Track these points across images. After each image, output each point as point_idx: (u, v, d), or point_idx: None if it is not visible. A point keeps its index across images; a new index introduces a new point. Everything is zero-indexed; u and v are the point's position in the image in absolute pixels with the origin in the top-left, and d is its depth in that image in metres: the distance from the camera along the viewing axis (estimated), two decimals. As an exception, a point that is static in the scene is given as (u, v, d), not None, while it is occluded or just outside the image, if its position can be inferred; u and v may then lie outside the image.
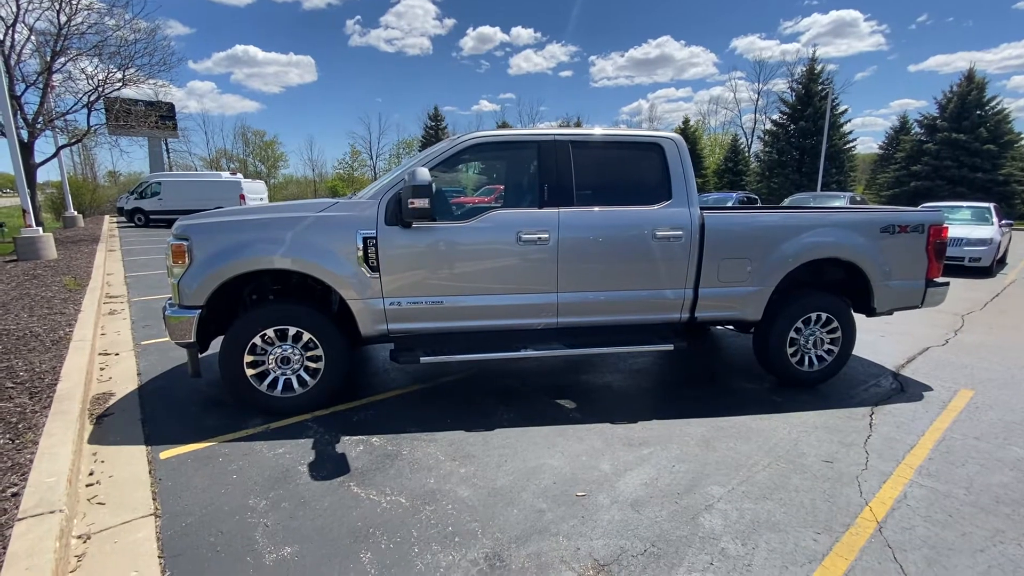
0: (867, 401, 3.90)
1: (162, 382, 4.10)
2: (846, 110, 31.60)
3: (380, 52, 73.97)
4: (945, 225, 4.23)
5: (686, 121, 40.42)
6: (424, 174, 3.07)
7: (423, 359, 3.47)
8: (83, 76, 15.28)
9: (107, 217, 25.71)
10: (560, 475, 2.79)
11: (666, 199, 3.75)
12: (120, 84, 15.77)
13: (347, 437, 3.18)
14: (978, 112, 26.11)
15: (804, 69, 32.41)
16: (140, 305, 6.85)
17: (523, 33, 73.81)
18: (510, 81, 71.05)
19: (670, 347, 3.83)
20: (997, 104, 26.14)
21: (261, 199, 22.54)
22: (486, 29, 73.58)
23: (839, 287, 4.25)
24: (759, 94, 45.86)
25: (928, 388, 4.17)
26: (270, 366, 3.40)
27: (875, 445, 3.19)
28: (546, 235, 3.50)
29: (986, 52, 54.63)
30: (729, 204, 15.41)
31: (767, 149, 33.56)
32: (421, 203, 3.04)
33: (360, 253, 3.33)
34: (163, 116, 25.29)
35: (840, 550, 2.24)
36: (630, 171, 3.83)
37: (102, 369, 4.35)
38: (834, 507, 2.54)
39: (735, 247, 3.82)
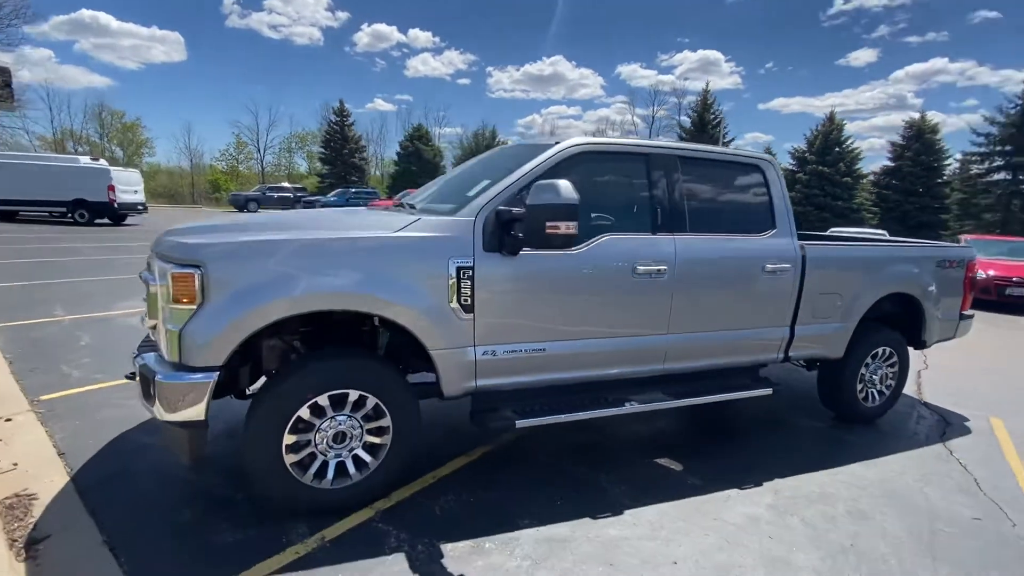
0: (932, 438, 3.86)
1: (110, 465, 2.80)
2: (733, 139, 35.21)
3: (263, 37, 67.22)
4: (977, 260, 4.42)
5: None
6: (571, 189, 2.33)
7: (520, 423, 2.70)
8: None
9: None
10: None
11: (770, 228, 3.38)
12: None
13: (448, 545, 2.29)
14: (837, 149, 30.50)
15: (698, 99, 35.53)
16: (8, 335, 5.00)
17: (421, 35, 72.00)
18: (408, 83, 68.85)
19: (769, 391, 3.45)
20: (851, 143, 30.81)
21: (136, 192, 18.92)
22: (382, 27, 70.35)
23: (895, 321, 4.22)
24: (653, 119, 49.60)
25: (965, 418, 4.29)
26: (320, 447, 2.40)
27: (988, 489, 3.07)
28: (664, 267, 2.93)
29: (814, 98, 65.78)
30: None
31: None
32: (568, 228, 2.28)
33: (453, 288, 2.48)
34: (-5, 81, 20.21)
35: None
36: (735, 195, 3.41)
37: (-8, 447, 2.89)
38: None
39: (831, 281, 3.57)
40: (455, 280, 2.47)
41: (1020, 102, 26.18)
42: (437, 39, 71.47)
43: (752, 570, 2.26)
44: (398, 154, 39.29)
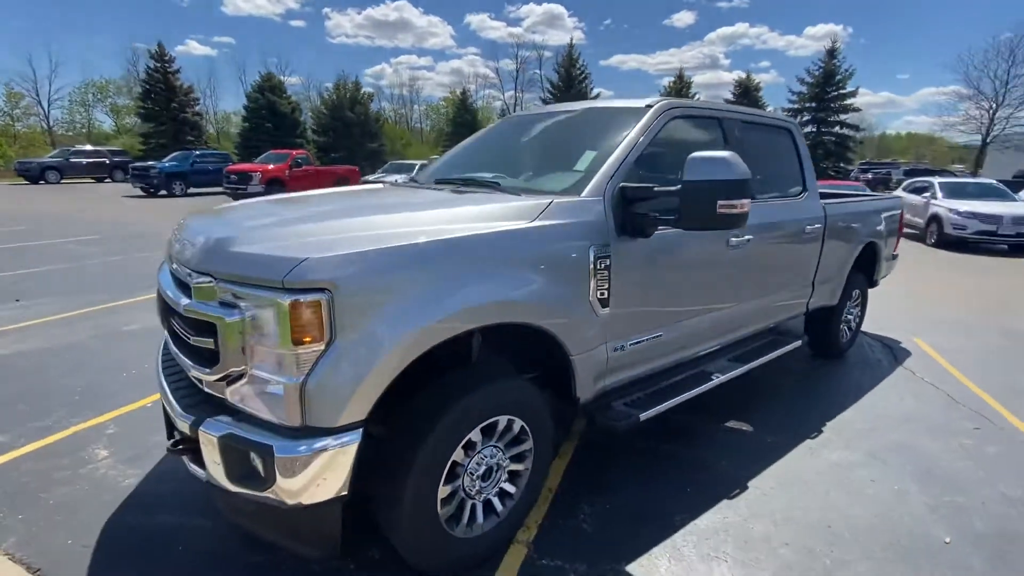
0: (892, 363, 4.54)
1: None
2: (600, 93, 36.83)
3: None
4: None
5: (464, 92, 40.97)
6: (742, 162, 2.07)
7: (643, 415, 2.50)
8: None
9: None
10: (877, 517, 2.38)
11: (804, 189, 3.52)
12: None
13: (633, 565, 2.07)
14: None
15: (563, 55, 36.25)
16: None
17: (239, -34, 61.51)
18: (227, 22, 58.96)
19: (799, 343, 3.71)
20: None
21: None
22: (186, -51, 58.75)
23: (858, 266, 4.79)
24: (518, 72, 49.67)
25: (898, 341, 5.12)
26: (471, 490, 1.95)
27: (961, 400, 3.72)
28: (749, 236, 2.88)
29: (647, 56, 72.20)
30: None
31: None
32: (743, 207, 2.04)
33: (593, 280, 2.13)
34: None
35: None
36: (777, 158, 3.45)
37: None
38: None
39: (839, 235, 3.88)
40: (594, 270, 2.13)
41: (822, 65, 31.35)
42: (260, -29, 61.57)
43: (903, 508, 2.43)
44: (247, 108, 33.68)
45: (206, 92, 49.74)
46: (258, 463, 1.57)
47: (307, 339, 1.50)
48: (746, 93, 35.29)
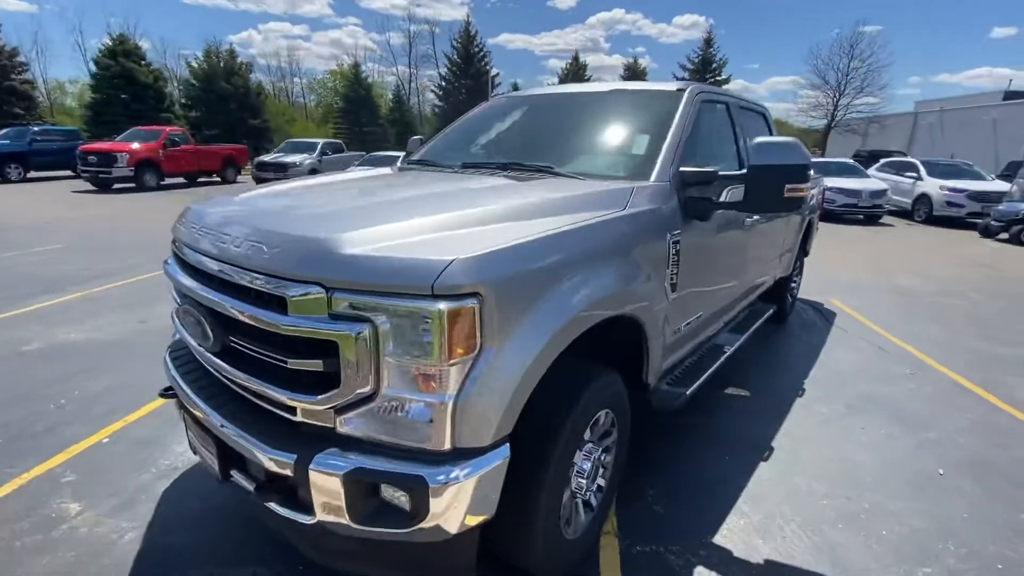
0: (824, 323, 5.19)
1: None
2: (497, 73, 36.71)
3: None
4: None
5: (356, 65, 38.38)
6: (804, 147, 2.14)
7: (688, 392, 2.58)
8: None
9: None
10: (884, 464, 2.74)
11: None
12: None
13: (718, 539, 2.15)
14: (582, 87, 34.92)
15: (461, 31, 35.46)
16: None
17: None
18: None
19: (773, 309, 4.08)
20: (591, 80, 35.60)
21: None
22: None
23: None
24: (412, 45, 47.71)
25: (820, 303, 5.85)
26: (579, 489, 1.87)
27: (890, 351, 4.38)
28: (756, 216, 3.06)
29: (533, 36, 74.91)
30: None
31: (440, 103, 35.81)
32: (807, 190, 2.13)
33: (669, 265, 2.13)
34: None
35: None
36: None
37: None
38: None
39: (800, 210, 4.28)
40: (667, 255, 2.13)
41: (701, 53, 34.16)
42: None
43: (897, 449, 2.79)
44: (96, 76, 28.13)
45: (30, 57, 41.00)
46: (401, 498, 1.36)
47: (460, 351, 1.31)
48: (634, 78, 37.39)
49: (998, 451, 2.90)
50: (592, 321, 1.67)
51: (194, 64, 32.41)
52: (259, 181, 15.94)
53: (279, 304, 1.40)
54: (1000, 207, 10.89)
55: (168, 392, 2.00)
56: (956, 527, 2.27)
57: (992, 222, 10.88)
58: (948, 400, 3.52)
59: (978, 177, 13.50)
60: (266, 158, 16.00)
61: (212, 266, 1.62)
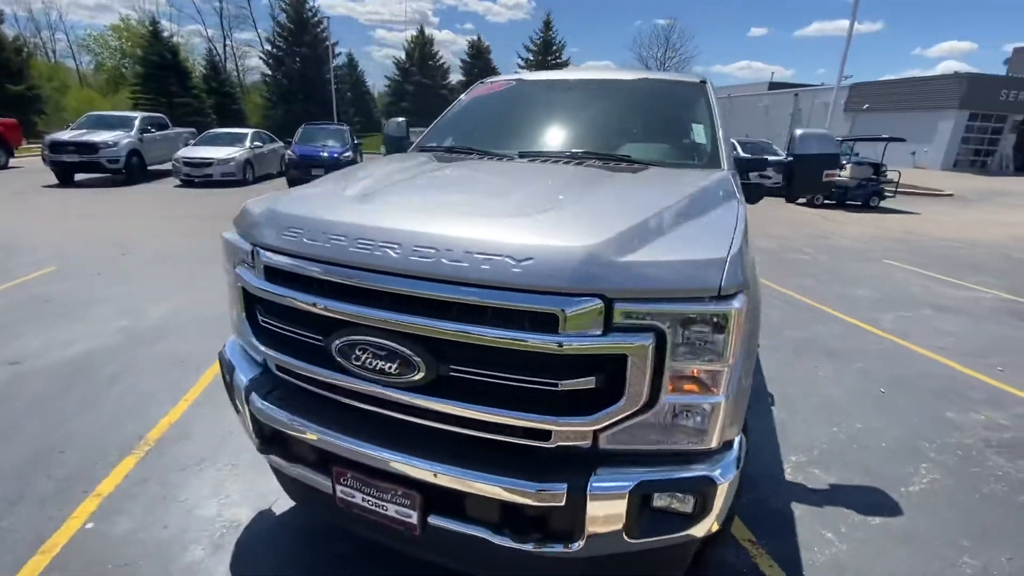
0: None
1: None
2: (336, 43, 33.80)
3: None
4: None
5: (154, 21, 31.70)
6: (835, 137, 2.46)
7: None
8: None
9: None
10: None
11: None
12: None
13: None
14: (430, 62, 34.12)
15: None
16: None
17: None
18: None
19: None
20: (439, 57, 34.99)
21: None
22: None
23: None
24: (222, 4, 41.33)
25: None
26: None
27: (801, 306, 5.38)
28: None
29: (356, 3, 73.52)
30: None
31: (272, 73, 31.79)
32: (839, 175, 2.47)
33: (738, 249, 2.35)
34: None
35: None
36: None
37: None
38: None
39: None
40: (736, 240, 2.34)
41: (542, 35, 35.73)
42: None
43: (847, 379, 3.49)
44: None
45: None
46: (687, 502, 1.34)
47: (740, 348, 1.33)
48: (479, 55, 37.68)
49: (904, 369, 3.83)
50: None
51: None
52: (55, 166, 12.52)
53: (542, 323, 1.24)
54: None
55: (271, 447, 1.62)
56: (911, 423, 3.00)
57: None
58: (854, 338, 4.50)
59: (774, 153, 16.80)
60: (63, 136, 12.38)
61: (399, 284, 1.34)
